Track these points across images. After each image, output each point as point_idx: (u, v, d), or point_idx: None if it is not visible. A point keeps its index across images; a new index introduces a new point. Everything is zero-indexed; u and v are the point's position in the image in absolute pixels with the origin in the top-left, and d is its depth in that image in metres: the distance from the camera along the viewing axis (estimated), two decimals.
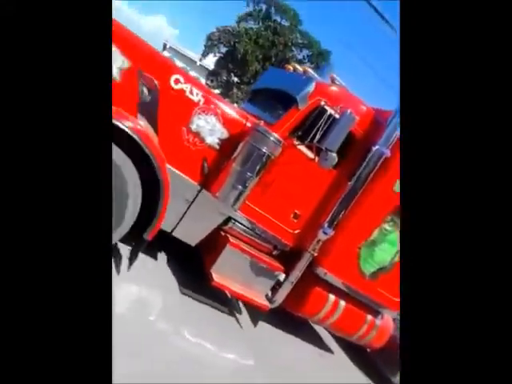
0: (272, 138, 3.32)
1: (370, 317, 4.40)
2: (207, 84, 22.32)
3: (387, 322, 4.64)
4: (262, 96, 4.34)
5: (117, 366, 2.14)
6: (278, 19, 25.70)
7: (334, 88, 3.81)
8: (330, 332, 4.95)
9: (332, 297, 4.13)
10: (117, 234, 3.01)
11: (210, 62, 26.45)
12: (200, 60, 27.11)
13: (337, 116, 3.48)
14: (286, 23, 25.08)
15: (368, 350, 5.13)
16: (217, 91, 21.89)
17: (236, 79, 24.57)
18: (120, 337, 2.45)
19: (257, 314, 4.01)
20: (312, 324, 5.04)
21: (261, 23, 25.06)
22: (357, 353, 5.20)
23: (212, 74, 25.39)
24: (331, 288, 4.07)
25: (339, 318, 4.24)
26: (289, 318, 4.39)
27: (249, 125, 3.42)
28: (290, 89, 3.83)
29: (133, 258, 3.27)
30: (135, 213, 3.00)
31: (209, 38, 24.76)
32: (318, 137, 3.44)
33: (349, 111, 3.34)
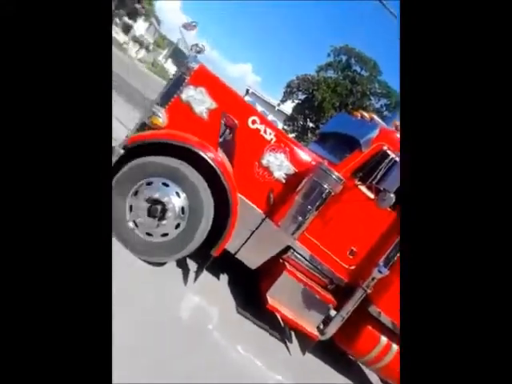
0: (333, 176, 3.61)
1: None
2: (284, 128, 23.34)
3: None
4: (328, 139, 4.70)
5: (174, 364, 2.49)
6: (358, 69, 26.33)
7: (396, 135, 4.03)
8: (379, 378, 4.82)
9: (384, 339, 4.10)
10: (188, 249, 3.46)
11: (289, 107, 27.69)
12: (278, 105, 28.56)
13: (397, 159, 3.69)
14: (365, 73, 25.61)
15: None
16: (292, 135, 22.75)
17: (311, 125, 25.31)
18: (178, 337, 2.83)
19: (306, 344, 4.13)
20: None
21: (340, 73, 25.86)
22: None
23: (289, 119, 26.48)
24: (384, 329, 4.06)
25: (390, 362, 4.17)
26: (339, 354, 4.43)
27: (313, 163, 3.77)
28: (356, 133, 4.13)
29: (199, 272, 3.70)
30: (206, 231, 3.44)
31: (288, 86, 26.10)
32: (377, 178, 3.67)
33: None
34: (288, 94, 25.80)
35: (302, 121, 25.32)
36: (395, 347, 4.15)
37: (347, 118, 4.85)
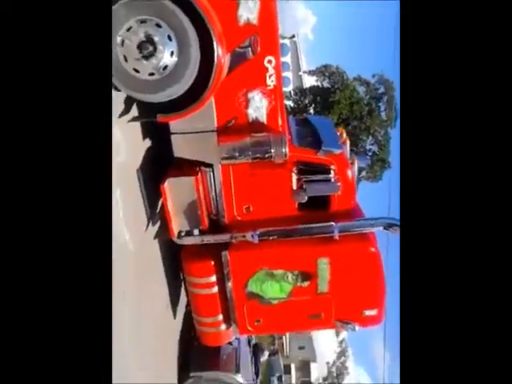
0: (284, 150, 4.11)
1: (220, 317, 5.12)
2: (289, 92, 23.27)
3: (227, 334, 5.35)
4: (305, 126, 5.19)
5: None
6: (381, 108, 26.66)
7: (348, 168, 4.64)
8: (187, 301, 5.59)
9: (213, 278, 4.85)
10: (169, 91, 3.52)
11: (309, 81, 27.40)
12: (303, 72, 28.20)
13: (332, 180, 4.32)
14: (383, 116, 26.01)
15: (195, 342, 5.77)
16: (289, 102, 22.80)
17: (311, 110, 25.43)
18: None
19: (161, 233, 4.72)
20: None
21: (367, 96, 25.90)
22: None
23: (300, 90, 26.22)
24: (219, 272, 4.79)
25: (202, 296, 4.98)
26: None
27: (280, 129, 4.22)
28: (325, 140, 4.66)
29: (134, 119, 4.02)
30: (190, 80, 3.53)
31: (324, 66, 25.63)
32: (309, 179, 4.27)
33: (339, 184, 4.20)
34: (318, 72, 25.56)
35: (308, 101, 25.35)
36: (215, 290, 4.93)
37: (330, 126, 5.39)
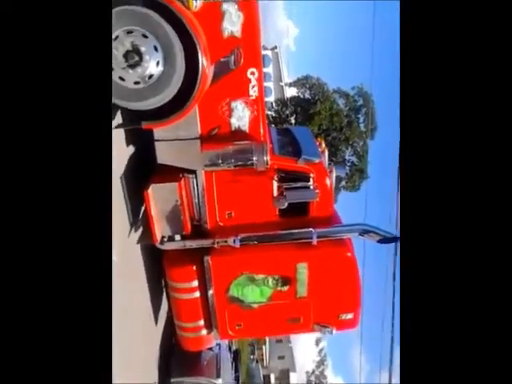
0: (265, 158, 4.27)
1: (201, 322, 5.18)
2: (270, 103, 23.62)
3: (208, 339, 5.42)
4: (286, 135, 5.39)
5: None
6: (360, 119, 27.26)
7: (326, 176, 4.83)
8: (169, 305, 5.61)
9: (195, 283, 4.93)
10: (152, 101, 3.63)
11: (290, 92, 27.84)
12: (284, 83, 28.66)
13: (310, 187, 4.50)
14: (362, 128, 26.64)
15: (176, 348, 5.80)
16: (270, 112, 23.11)
17: (292, 120, 25.79)
18: None
19: (144, 238, 4.78)
20: None
21: (347, 109, 26.44)
22: None
23: (280, 102, 26.59)
24: (201, 277, 4.87)
25: (183, 301, 5.04)
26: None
27: (262, 138, 4.39)
28: (305, 149, 4.86)
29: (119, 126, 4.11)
30: (174, 90, 3.63)
31: (305, 78, 26.14)
32: (289, 186, 4.45)
33: (317, 191, 4.39)
34: (299, 83, 26.08)
35: (289, 112, 25.76)
36: (197, 294, 5.00)
37: (310, 136, 5.62)
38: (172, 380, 5.50)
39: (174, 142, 4.32)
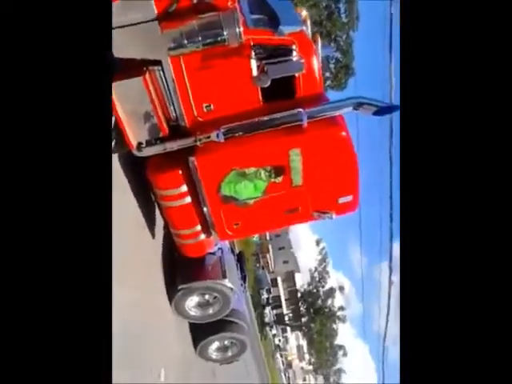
0: (238, 30, 3.64)
1: (199, 227, 5.00)
2: None
3: (208, 243, 5.31)
4: (259, 5, 4.62)
5: None
6: (341, 10, 25.30)
7: (311, 46, 4.24)
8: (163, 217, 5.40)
9: (184, 188, 4.62)
10: None
11: None
12: None
13: (294, 59, 3.94)
14: (344, 19, 24.74)
15: (179, 256, 5.72)
16: None
17: None
18: None
19: (118, 148, 4.35)
20: None
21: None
22: None
23: None
24: (190, 180, 4.55)
25: (175, 208, 4.78)
26: None
27: (230, 6, 3.70)
28: (282, 18, 4.18)
29: None
30: None
31: None
32: (269, 61, 3.88)
33: (302, 61, 3.83)
34: None
35: None
36: (188, 200, 4.72)
37: (288, 4, 4.83)
38: (179, 287, 5.51)
39: (129, 30, 3.65)
